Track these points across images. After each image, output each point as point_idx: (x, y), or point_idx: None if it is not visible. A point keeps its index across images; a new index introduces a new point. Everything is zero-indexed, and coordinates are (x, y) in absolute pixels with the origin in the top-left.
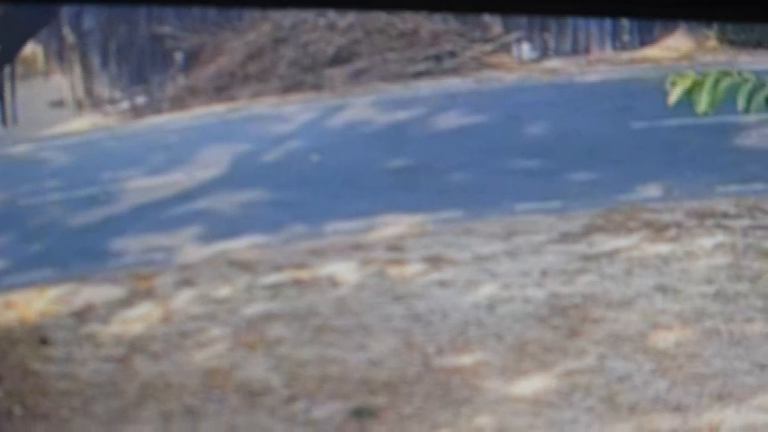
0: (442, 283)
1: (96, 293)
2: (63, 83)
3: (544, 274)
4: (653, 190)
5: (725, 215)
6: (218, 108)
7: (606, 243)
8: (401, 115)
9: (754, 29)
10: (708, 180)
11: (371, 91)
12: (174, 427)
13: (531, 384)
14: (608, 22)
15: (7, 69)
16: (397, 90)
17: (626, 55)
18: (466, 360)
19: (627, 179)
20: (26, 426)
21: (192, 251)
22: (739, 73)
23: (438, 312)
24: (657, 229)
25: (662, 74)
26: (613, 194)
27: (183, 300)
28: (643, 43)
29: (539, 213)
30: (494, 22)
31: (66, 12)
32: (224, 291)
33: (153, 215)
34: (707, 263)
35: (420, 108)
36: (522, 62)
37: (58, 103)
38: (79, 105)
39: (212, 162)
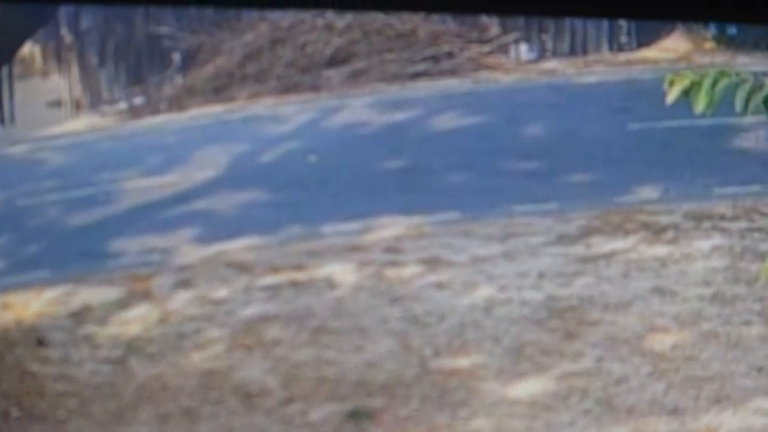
0: (440, 285)
1: (93, 295)
2: (61, 83)
3: (541, 276)
4: (650, 192)
5: (722, 217)
6: (216, 109)
7: (603, 245)
8: (399, 116)
9: (752, 29)
10: (705, 182)
11: (369, 92)
12: (171, 428)
13: (529, 387)
14: (605, 24)
15: (5, 69)
16: (394, 91)
17: (623, 56)
18: (463, 362)
19: (624, 181)
20: (23, 427)
21: (190, 252)
22: (737, 73)
23: (435, 314)
24: (655, 231)
25: (659, 75)
26: (610, 196)
27: (181, 301)
28: (640, 44)
29: (536, 215)
30: (491, 23)
31: (63, 12)
32: (221, 292)
33: (150, 216)
34: (704, 265)
35: (418, 109)
36: (519, 63)
37: (56, 104)
38: (77, 105)
39: (210, 163)
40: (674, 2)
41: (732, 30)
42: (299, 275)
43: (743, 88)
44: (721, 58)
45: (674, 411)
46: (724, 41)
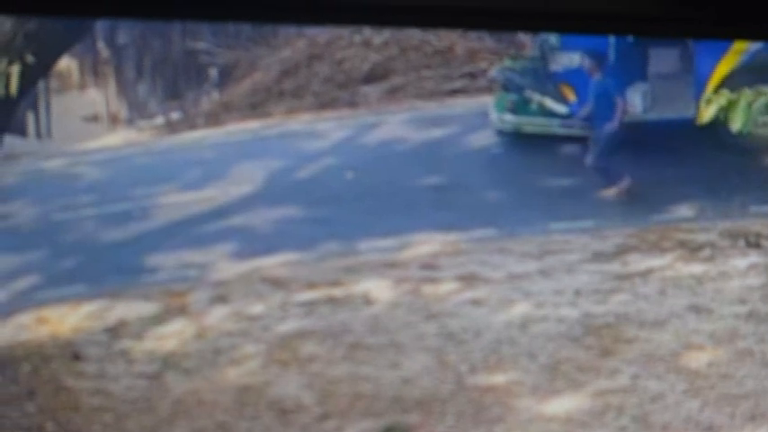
0: (476, 302)
1: (130, 309)
2: (97, 97)
3: (577, 293)
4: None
5: (758, 235)
6: (253, 124)
7: (640, 263)
8: (436, 133)
9: None
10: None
11: (406, 108)
12: None
13: (564, 403)
14: None
15: (41, 83)
16: (431, 107)
17: None
18: (499, 379)
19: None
20: None
21: (226, 267)
22: None
23: (471, 331)
24: (691, 249)
25: None
26: (647, 214)
27: (217, 316)
28: None
29: (572, 232)
30: (528, 41)
31: (100, 26)
32: (257, 308)
33: (187, 231)
34: (740, 283)
35: (455, 126)
36: None
37: (93, 118)
38: (113, 120)
39: (247, 178)
40: (691, 19)
41: None
42: (336, 291)
43: None
44: None
45: (710, 428)
46: None
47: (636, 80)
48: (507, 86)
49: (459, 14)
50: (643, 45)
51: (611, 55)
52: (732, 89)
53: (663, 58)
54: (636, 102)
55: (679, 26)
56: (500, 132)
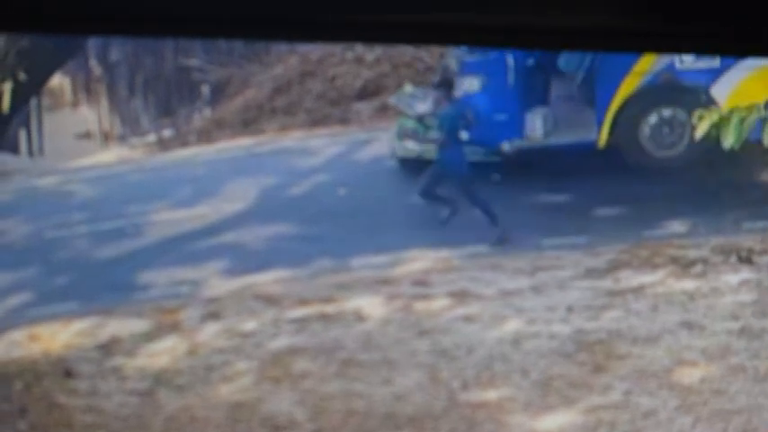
0: (468, 318)
1: (122, 326)
2: (89, 115)
3: (570, 309)
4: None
5: (750, 251)
6: (245, 141)
7: (632, 279)
8: None
9: None
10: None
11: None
12: None
13: (557, 420)
14: None
15: (34, 101)
16: None
17: None
18: (491, 395)
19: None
20: None
21: (218, 284)
22: (765, 108)
23: (463, 347)
24: (683, 266)
25: None
26: (639, 230)
27: (209, 333)
28: None
29: (564, 249)
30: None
31: (92, 44)
32: (250, 324)
33: (179, 248)
34: (732, 299)
35: None
36: None
37: (85, 135)
38: (105, 138)
39: (239, 195)
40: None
41: None
42: (328, 308)
43: None
44: None
45: None
46: None
47: (536, 104)
48: (407, 113)
49: (452, 31)
50: (544, 67)
51: (511, 79)
52: (635, 111)
53: (565, 81)
54: (536, 126)
55: (637, 39)
56: (403, 160)
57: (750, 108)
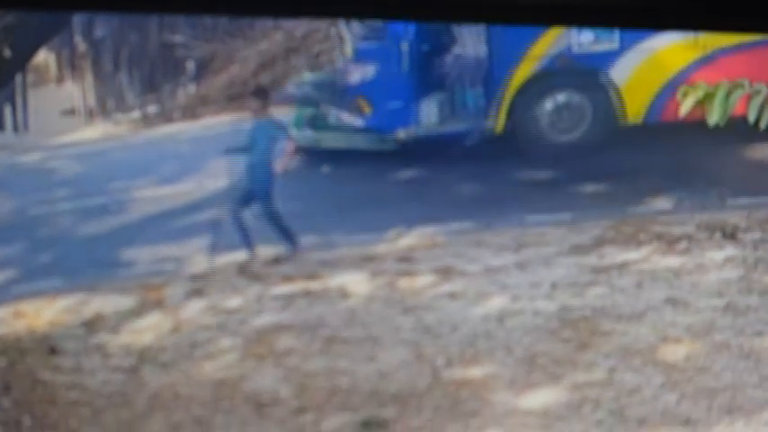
0: (452, 295)
1: (106, 303)
2: (74, 91)
3: (554, 286)
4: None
5: (735, 228)
6: (230, 117)
7: (616, 255)
8: None
9: None
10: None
11: None
12: None
13: (541, 397)
14: None
15: (19, 77)
16: None
17: None
18: (475, 372)
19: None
20: None
21: (203, 261)
22: (750, 84)
23: (448, 324)
24: (668, 242)
25: None
26: (624, 206)
27: (193, 310)
28: None
29: (549, 225)
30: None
31: (77, 20)
32: (234, 301)
33: (163, 225)
34: (717, 276)
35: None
36: None
37: (70, 112)
38: (90, 114)
39: (223, 172)
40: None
41: None
42: (312, 285)
43: (756, 99)
44: None
45: (687, 422)
46: None
47: (434, 90)
48: (304, 101)
49: (439, 6)
50: (440, 52)
51: (405, 65)
52: (532, 95)
53: (462, 65)
54: (432, 112)
55: (668, 17)
56: (300, 149)
57: (736, 84)
